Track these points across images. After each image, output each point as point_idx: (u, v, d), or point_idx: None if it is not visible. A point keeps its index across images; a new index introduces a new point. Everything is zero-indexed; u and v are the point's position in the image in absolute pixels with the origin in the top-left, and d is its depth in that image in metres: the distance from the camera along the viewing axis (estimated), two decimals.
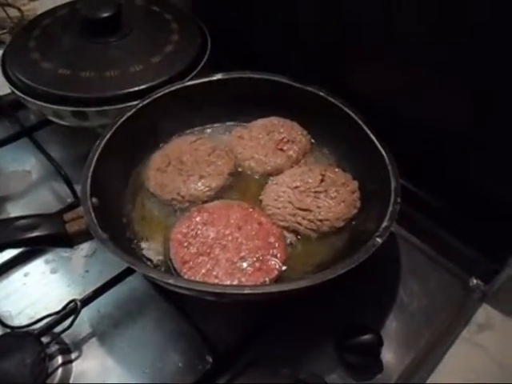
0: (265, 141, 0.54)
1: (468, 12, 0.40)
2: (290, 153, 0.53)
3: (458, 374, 0.43)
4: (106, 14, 0.56)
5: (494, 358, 0.44)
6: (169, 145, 0.54)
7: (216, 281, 0.41)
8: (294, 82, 0.54)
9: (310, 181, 0.49)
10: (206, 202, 0.49)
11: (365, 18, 0.48)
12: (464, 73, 0.43)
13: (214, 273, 0.42)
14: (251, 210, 0.47)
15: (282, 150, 0.53)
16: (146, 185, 0.50)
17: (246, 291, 0.36)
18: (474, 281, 0.48)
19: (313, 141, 0.56)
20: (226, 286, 0.40)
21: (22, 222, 0.39)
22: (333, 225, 0.46)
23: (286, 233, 0.47)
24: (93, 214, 0.40)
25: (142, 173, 0.52)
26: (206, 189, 0.49)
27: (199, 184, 0.49)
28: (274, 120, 0.56)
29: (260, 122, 0.56)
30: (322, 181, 0.49)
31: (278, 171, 0.52)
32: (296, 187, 0.48)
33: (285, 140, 0.54)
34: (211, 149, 0.52)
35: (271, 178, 0.52)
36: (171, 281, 0.36)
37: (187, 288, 0.36)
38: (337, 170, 0.52)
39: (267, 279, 0.42)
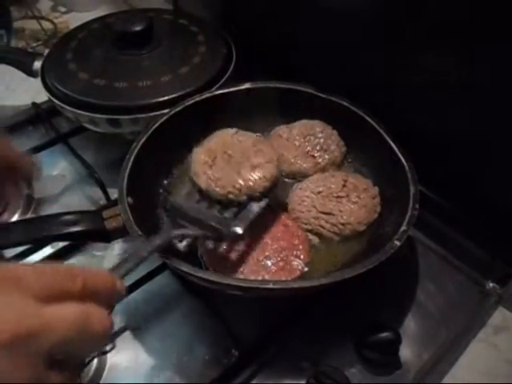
0: (300, 143, 0.55)
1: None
2: (319, 160, 0.54)
3: (473, 374, 0.44)
4: (138, 28, 0.59)
5: (508, 358, 0.45)
6: (210, 139, 0.52)
7: (242, 276, 0.43)
8: (318, 91, 0.57)
9: (333, 186, 0.50)
10: (262, 193, 0.47)
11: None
12: (488, 83, 0.45)
13: (241, 269, 0.44)
14: (278, 212, 0.50)
15: (312, 156, 0.55)
16: (196, 181, 0.48)
17: (270, 286, 0.38)
18: (491, 284, 0.49)
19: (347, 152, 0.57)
20: (251, 280, 0.43)
21: (66, 217, 0.42)
22: (354, 228, 0.48)
23: (309, 235, 0.49)
24: (129, 212, 0.42)
25: (178, 173, 0.55)
26: (262, 180, 0.46)
27: (254, 175, 0.46)
28: (317, 124, 0.57)
29: (303, 122, 0.57)
30: (344, 186, 0.50)
31: (302, 175, 0.54)
32: (319, 192, 0.50)
33: (318, 147, 0.55)
34: (254, 139, 0.51)
35: (296, 183, 0.53)
36: (200, 274, 0.39)
37: (215, 282, 0.38)
38: (358, 176, 0.53)
39: (289, 278, 0.44)
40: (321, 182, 0.51)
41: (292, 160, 0.55)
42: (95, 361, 0.43)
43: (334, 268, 0.46)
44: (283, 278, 0.44)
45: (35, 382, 0.23)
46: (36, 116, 0.67)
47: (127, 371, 0.44)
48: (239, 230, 0.42)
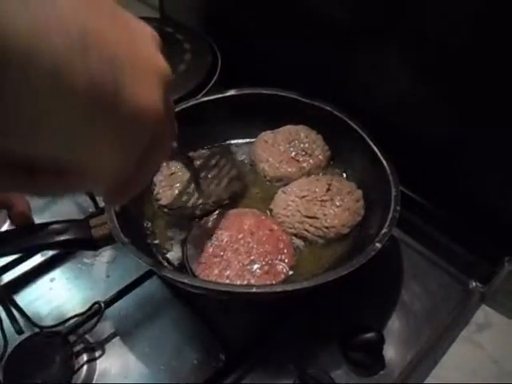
0: (285, 148, 0.56)
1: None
2: (304, 165, 0.56)
3: (457, 371, 0.45)
4: None
5: (492, 356, 0.46)
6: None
7: (227, 281, 0.44)
8: (303, 97, 0.58)
9: (317, 190, 0.51)
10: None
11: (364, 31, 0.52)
12: (465, 85, 0.46)
13: (226, 273, 0.45)
14: (263, 217, 0.50)
15: (297, 160, 0.56)
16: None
17: (253, 290, 0.39)
18: (473, 283, 0.50)
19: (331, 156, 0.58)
20: (236, 285, 0.43)
21: (54, 226, 0.43)
22: (338, 231, 0.49)
23: (294, 239, 0.50)
24: (115, 220, 0.43)
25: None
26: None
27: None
28: (301, 129, 0.58)
29: (288, 128, 0.59)
30: (328, 190, 0.51)
31: (287, 179, 0.55)
32: (303, 196, 0.51)
33: (303, 152, 0.56)
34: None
35: (281, 188, 0.54)
36: (186, 280, 0.40)
37: (200, 287, 0.39)
38: (342, 179, 0.54)
39: (274, 282, 0.45)
40: (305, 187, 0.52)
41: (277, 165, 0.56)
42: (85, 367, 0.44)
43: (318, 271, 0.47)
44: (268, 282, 0.45)
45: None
46: None
47: (117, 377, 0.44)
48: None
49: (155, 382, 0.44)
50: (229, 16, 0.69)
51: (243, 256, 0.46)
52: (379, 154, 0.51)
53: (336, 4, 0.52)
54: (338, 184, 0.52)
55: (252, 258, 0.46)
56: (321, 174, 0.56)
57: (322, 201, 0.51)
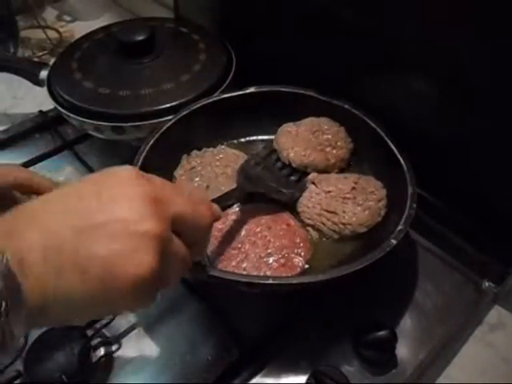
0: (309, 137, 0.56)
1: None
2: (329, 156, 0.56)
3: (469, 371, 0.45)
4: (140, 38, 0.61)
5: (505, 356, 0.46)
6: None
7: (244, 273, 0.45)
8: (320, 94, 0.58)
9: (342, 187, 0.52)
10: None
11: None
12: (479, 86, 0.46)
13: (243, 265, 0.46)
14: (282, 212, 0.51)
15: (322, 150, 0.56)
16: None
17: (269, 281, 0.40)
18: (487, 283, 0.50)
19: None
20: (253, 276, 0.44)
21: None
22: (354, 229, 0.50)
23: (310, 230, 0.51)
24: None
25: None
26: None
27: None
28: (323, 121, 0.58)
29: (310, 119, 0.59)
30: (353, 188, 0.52)
31: (313, 167, 0.55)
32: (329, 192, 0.52)
33: (327, 143, 0.56)
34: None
35: (310, 177, 0.54)
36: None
37: (218, 277, 0.40)
38: (370, 178, 0.54)
39: (290, 275, 0.46)
40: (332, 182, 0.53)
41: (303, 152, 0.56)
42: (102, 360, 0.45)
43: (334, 266, 0.47)
44: (284, 275, 0.46)
45: (162, 235, 0.27)
46: (43, 124, 0.69)
47: (133, 370, 0.45)
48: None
49: (170, 376, 0.44)
50: (243, 16, 0.70)
51: (260, 249, 0.47)
52: (396, 151, 0.51)
53: (344, 4, 0.53)
54: (365, 183, 0.53)
55: (269, 251, 0.47)
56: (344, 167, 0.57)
57: (345, 198, 0.51)
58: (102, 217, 0.25)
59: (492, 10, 0.41)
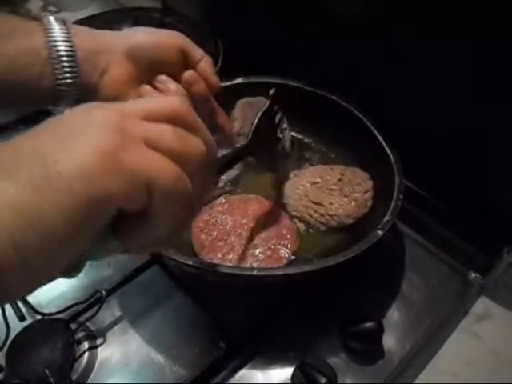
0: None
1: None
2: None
3: (456, 362, 0.45)
4: (123, 28, 0.60)
5: (491, 346, 0.46)
6: None
7: (230, 264, 0.45)
8: (307, 85, 0.58)
9: (329, 178, 0.52)
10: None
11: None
12: (468, 80, 0.46)
13: (229, 257, 0.46)
14: (268, 203, 0.51)
15: None
16: None
17: (255, 273, 0.40)
18: (473, 274, 0.50)
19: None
20: (238, 267, 0.44)
21: None
22: (341, 221, 0.50)
23: (296, 222, 0.50)
24: None
25: None
26: None
27: None
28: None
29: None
30: (339, 180, 0.52)
31: None
32: (315, 183, 0.52)
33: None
34: None
35: (294, 171, 0.55)
36: (190, 262, 0.40)
37: (204, 269, 0.40)
38: (357, 170, 0.54)
39: (276, 266, 0.45)
40: (318, 174, 0.53)
41: None
42: (86, 354, 0.44)
43: (320, 257, 0.47)
44: (270, 266, 0.45)
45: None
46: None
47: (117, 364, 0.44)
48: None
49: (156, 370, 0.44)
50: (230, 6, 0.69)
51: (246, 240, 0.47)
52: (383, 142, 0.51)
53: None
54: (351, 174, 0.53)
55: (255, 242, 0.47)
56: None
57: (331, 189, 0.51)
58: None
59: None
